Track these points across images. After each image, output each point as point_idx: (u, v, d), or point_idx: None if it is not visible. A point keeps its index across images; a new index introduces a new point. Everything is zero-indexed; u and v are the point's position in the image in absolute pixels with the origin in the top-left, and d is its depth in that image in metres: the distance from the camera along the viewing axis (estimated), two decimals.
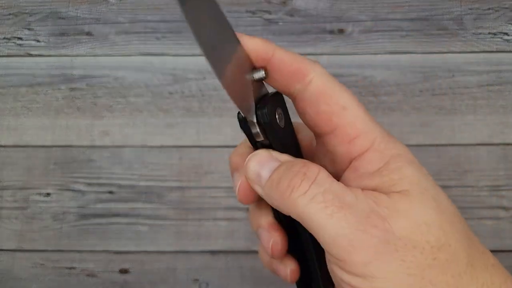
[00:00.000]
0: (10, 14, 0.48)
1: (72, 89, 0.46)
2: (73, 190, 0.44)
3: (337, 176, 0.21)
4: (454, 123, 0.44)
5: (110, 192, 0.44)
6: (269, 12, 0.47)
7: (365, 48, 0.46)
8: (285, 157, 0.20)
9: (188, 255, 0.42)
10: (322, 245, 0.18)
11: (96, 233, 0.43)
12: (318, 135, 0.21)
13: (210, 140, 0.44)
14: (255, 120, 0.19)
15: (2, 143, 0.45)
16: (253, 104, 0.19)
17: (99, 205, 0.44)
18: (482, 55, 0.45)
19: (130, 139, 0.45)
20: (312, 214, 0.17)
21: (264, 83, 0.21)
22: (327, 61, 0.46)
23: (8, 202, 0.44)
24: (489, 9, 0.46)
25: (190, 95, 0.45)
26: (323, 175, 0.18)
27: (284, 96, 0.21)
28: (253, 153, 0.20)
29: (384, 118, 0.44)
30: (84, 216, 0.43)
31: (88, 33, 0.47)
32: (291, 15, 0.47)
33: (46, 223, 0.43)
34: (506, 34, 0.46)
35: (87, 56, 0.47)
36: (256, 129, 0.20)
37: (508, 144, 0.43)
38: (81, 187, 0.44)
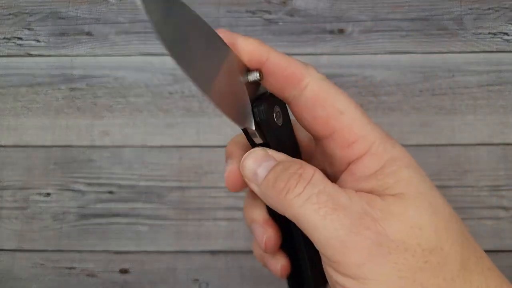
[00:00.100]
0: (10, 14, 0.48)
1: (72, 89, 0.46)
2: (73, 190, 0.44)
3: (335, 178, 0.21)
4: (454, 123, 0.44)
5: (110, 192, 0.44)
6: (269, 12, 0.47)
7: (365, 48, 0.46)
8: (281, 156, 0.20)
9: (188, 255, 0.42)
10: (316, 246, 0.18)
11: (96, 233, 0.43)
12: (317, 139, 0.21)
13: (210, 140, 0.44)
14: (253, 126, 0.19)
15: (2, 143, 0.45)
16: (249, 106, 0.19)
17: (99, 205, 0.44)
18: (482, 55, 0.45)
19: (130, 139, 0.45)
20: (306, 215, 0.17)
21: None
22: (327, 61, 0.46)
23: (8, 202, 0.44)
24: (489, 9, 0.46)
25: (190, 95, 0.45)
26: (318, 177, 0.18)
27: None
28: (250, 151, 0.20)
29: (384, 118, 0.44)
30: (84, 216, 0.43)
31: (88, 33, 0.47)
32: (291, 15, 0.47)
33: (46, 223, 0.43)
34: (506, 34, 0.46)
35: (87, 56, 0.47)
36: (254, 132, 0.20)
37: (508, 144, 0.43)
38: (81, 187, 0.44)
